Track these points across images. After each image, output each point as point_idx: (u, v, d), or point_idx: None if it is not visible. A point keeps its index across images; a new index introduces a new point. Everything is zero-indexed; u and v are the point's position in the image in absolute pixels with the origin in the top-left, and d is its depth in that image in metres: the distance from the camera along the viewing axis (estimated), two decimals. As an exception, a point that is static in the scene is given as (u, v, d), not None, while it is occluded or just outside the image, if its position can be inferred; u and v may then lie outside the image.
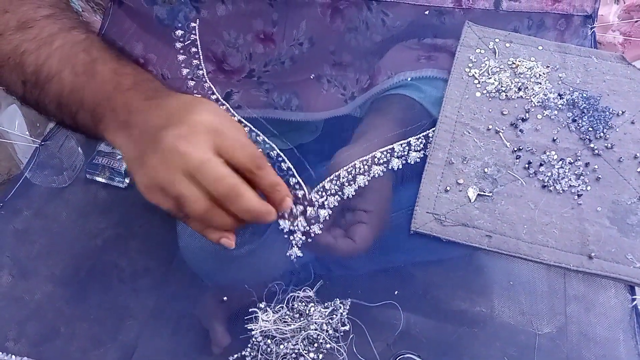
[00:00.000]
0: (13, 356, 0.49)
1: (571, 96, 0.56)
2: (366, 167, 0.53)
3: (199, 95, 0.57)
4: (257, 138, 0.55)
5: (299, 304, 0.44)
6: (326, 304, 0.44)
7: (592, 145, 0.53)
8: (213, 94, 0.58)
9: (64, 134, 0.63)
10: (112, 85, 0.47)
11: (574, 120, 0.55)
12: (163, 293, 0.53)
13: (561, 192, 0.51)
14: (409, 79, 0.59)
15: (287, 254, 0.49)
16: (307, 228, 0.50)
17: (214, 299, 0.52)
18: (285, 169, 0.53)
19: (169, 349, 0.50)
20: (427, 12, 0.61)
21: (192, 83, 0.58)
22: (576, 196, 0.51)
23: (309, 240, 0.50)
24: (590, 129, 0.54)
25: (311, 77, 0.62)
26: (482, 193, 0.51)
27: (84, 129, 0.50)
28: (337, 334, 0.44)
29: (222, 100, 0.58)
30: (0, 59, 0.50)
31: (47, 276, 0.55)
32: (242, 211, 0.42)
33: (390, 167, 0.53)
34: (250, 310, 0.46)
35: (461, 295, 0.50)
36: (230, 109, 0.57)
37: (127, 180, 0.63)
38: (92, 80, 0.48)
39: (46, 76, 0.48)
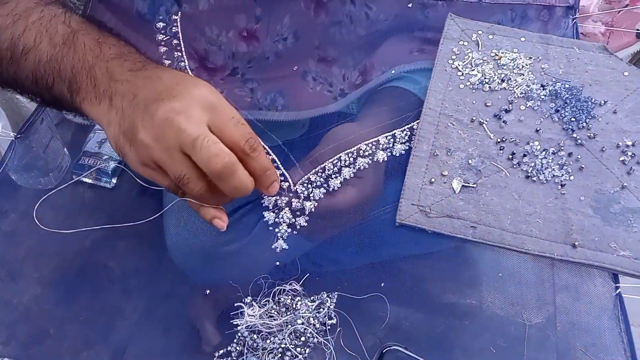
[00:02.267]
0: (3, 359, 0.49)
1: (554, 87, 0.57)
2: (352, 159, 0.53)
3: None
4: None
5: (285, 297, 0.44)
6: (312, 297, 0.44)
7: (574, 135, 0.54)
8: None
9: (48, 133, 0.62)
10: (94, 55, 0.46)
11: (556, 111, 0.55)
12: (153, 293, 0.53)
13: (545, 182, 0.51)
14: (404, 72, 0.59)
15: (272, 246, 0.49)
16: (293, 220, 0.50)
17: (203, 297, 0.52)
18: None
19: (159, 349, 0.50)
20: (410, 5, 0.61)
21: None
22: (560, 186, 0.51)
23: (295, 232, 0.50)
24: (572, 119, 0.55)
25: (295, 69, 0.61)
26: (467, 184, 0.52)
27: (60, 102, 0.48)
28: (324, 328, 0.44)
29: None
30: None
31: (35, 278, 0.55)
32: (232, 189, 0.41)
33: (375, 159, 0.54)
34: (236, 305, 0.46)
35: (450, 287, 0.51)
36: None
37: (114, 181, 0.63)
38: (71, 50, 0.46)
39: (22, 50, 0.46)
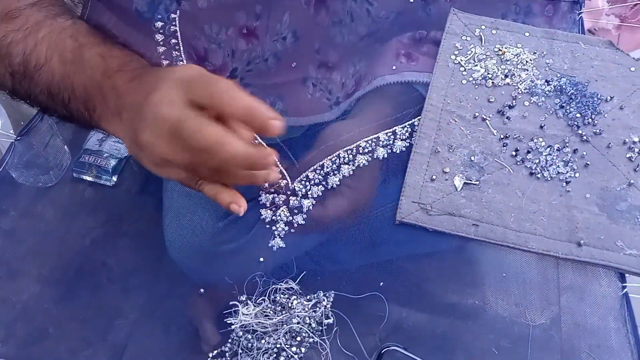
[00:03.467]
0: (1, 359, 0.49)
1: (559, 82, 0.55)
2: (351, 156, 0.52)
3: None
4: None
5: (281, 296, 0.43)
6: (309, 296, 0.44)
7: (580, 131, 0.53)
8: None
9: (48, 131, 0.62)
10: (100, 71, 0.46)
11: (561, 107, 0.54)
12: (153, 292, 0.53)
13: (549, 179, 0.50)
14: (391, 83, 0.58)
15: (269, 244, 0.49)
16: (290, 218, 0.49)
17: (202, 297, 0.51)
18: None
19: (159, 348, 0.49)
20: (412, 1, 0.60)
21: None
22: (564, 183, 0.50)
23: (292, 231, 0.49)
24: (578, 115, 0.53)
25: (293, 65, 0.60)
26: (469, 181, 0.51)
27: (78, 119, 0.48)
28: (320, 327, 0.43)
29: None
30: None
31: (34, 276, 0.55)
32: (230, 160, 0.38)
33: (375, 157, 0.53)
34: (231, 303, 0.45)
35: (453, 287, 0.50)
36: None
37: (114, 179, 0.63)
38: (80, 67, 0.46)
39: (35, 65, 0.47)
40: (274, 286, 0.44)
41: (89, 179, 0.62)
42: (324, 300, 0.43)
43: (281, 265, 0.48)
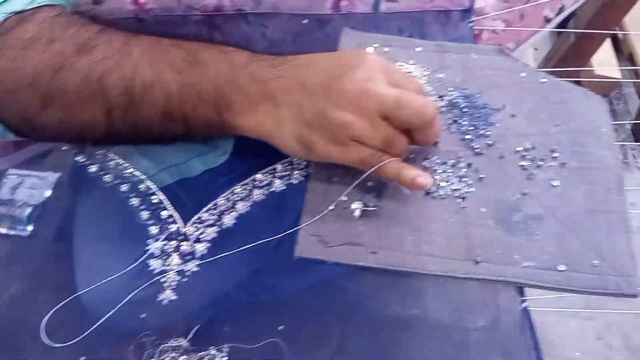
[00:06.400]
0: None
1: (451, 96, 0.55)
2: (247, 191, 0.51)
3: None
4: (125, 172, 0.53)
5: (173, 354, 0.41)
6: (201, 354, 0.41)
7: (473, 144, 0.52)
8: None
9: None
10: (227, 65, 0.43)
11: (454, 121, 0.54)
12: (78, 348, 0.50)
13: (445, 197, 0.50)
14: None
15: (158, 298, 0.46)
16: (182, 267, 0.47)
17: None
18: (156, 202, 0.51)
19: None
20: (305, 22, 0.59)
21: None
22: (460, 199, 0.50)
23: (184, 279, 0.47)
24: (471, 127, 0.53)
25: None
26: (367, 208, 0.50)
27: (202, 130, 0.46)
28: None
29: None
30: (71, 97, 0.43)
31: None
32: (435, 133, 0.46)
33: (272, 190, 0.51)
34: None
35: (394, 299, 0.48)
36: None
37: (29, 228, 0.59)
38: (203, 68, 0.43)
39: (142, 88, 0.43)
40: (162, 346, 0.42)
41: (3, 230, 0.58)
42: (216, 356, 0.41)
43: (174, 320, 0.45)
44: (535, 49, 1.67)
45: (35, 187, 0.58)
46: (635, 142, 1.54)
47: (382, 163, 0.44)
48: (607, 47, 1.55)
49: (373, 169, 0.44)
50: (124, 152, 0.55)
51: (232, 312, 0.46)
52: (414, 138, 0.46)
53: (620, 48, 1.63)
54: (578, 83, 1.55)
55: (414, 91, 0.43)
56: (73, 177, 0.56)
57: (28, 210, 0.60)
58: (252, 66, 0.44)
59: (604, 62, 1.51)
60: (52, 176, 0.57)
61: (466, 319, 0.46)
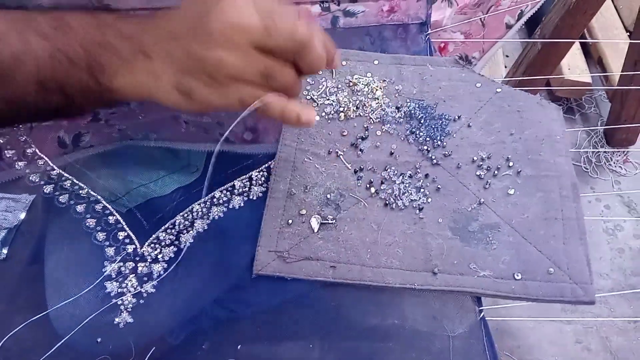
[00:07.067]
0: None
1: (408, 108, 0.56)
2: (205, 209, 0.51)
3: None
4: (80, 191, 0.52)
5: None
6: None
7: (430, 155, 0.53)
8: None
9: None
10: (95, 25, 0.41)
11: (412, 132, 0.54)
12: None
13: (403, 208, 0.50)
14: None
15: (115, 321, 0.45)
16: (139, 288, 0.47)
17: None
18: (114, 222, 0.50)
19: None
20: None
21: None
22: (418, 210, 0.50)
23: (141, 302, 0.46)
24: (427, 138, 0.54)
25: (168, 115, 0.57)
26: (325, 221, 0.50)
27: (82, 97, 0.43)
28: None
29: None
30: None
31: None
32: (316, 59, 0.40)
33: (231, 207, 0.51)
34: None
35: (372, 310, 0.48)
36: None
37: (4, 251, 0.58)
38: (70, 31, 0.41)
39: (11, 58, 0.40)
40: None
41: (-22, 255, 0.57)
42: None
43: (130, 344, 0.44)
44: (507, 56, 1.69)
45: (9, 209, 0.57)
46: (607, 145, 1.56)
47: (261, 100, 0.40)
48: (576, 51, 1.58)
49: (252, 105, 0.40)
50: (80, 173, 0.54)
51: (192, 334, 0.46)
52: (299, 68, 0.42)
53: (590, 53, 1.66)
54: (549, 88, 1.57)
55: (285, 16, 0.40)
56: (43, 200, 0.55)
57: (2, 233, 0.59)
58: (120, 23, 0.42)
59: (574, 66, 1.54)
60: (27, 198, 0.56)
61: (445, 327, 0.46)
